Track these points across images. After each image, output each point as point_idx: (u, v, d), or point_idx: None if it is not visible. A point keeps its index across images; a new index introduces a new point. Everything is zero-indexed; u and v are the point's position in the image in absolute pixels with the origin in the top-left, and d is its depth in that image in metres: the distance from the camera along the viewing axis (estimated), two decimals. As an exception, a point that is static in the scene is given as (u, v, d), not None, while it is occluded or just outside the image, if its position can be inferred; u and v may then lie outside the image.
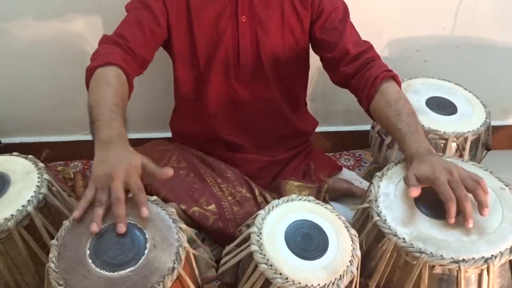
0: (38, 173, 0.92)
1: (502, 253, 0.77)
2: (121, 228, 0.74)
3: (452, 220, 0.79)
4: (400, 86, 1.03)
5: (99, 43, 1.03)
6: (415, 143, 0.89)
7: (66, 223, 0.77)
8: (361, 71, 1.05)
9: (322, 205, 0.85)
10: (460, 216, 0.80)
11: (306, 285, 0.72)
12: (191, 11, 1.08)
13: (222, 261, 0.87)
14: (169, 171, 0.81)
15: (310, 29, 1.14)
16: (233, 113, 1.20)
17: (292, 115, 1.25)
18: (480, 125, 1.14)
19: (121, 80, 0.95)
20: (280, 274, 0.73)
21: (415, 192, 0.82)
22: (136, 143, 1.13)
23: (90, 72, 0.94)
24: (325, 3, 1.11)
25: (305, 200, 0.86)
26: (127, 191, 0.77)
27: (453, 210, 0.78)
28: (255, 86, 1.17)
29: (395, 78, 1.02)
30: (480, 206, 0.80)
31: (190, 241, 0.81)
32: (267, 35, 1.11)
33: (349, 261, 0.77)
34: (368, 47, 1.09)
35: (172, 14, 1.08)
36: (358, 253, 0.79)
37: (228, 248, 0.88)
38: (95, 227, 0.73)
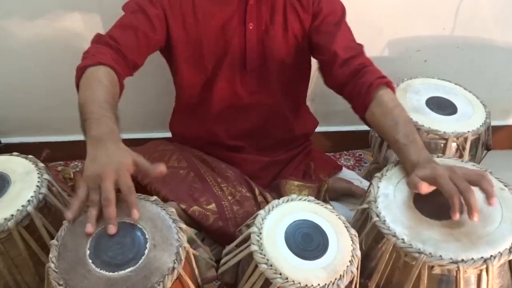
0: (38, 173, 0.92)
1: (501, 254, 0.77)
2: (111, 230, 0.73)
3: (457, 216, 0.77)
4: (394, 92, 1.01)
5: (91, 41, 1.02)
6: (415, 154, 0.88)
7: (66, 223, 0.77)
8: (354, 78, 1.03)
9: (322, 205, 0.85)
10: (460, 216, 0.80)
11: (306, 285, 0.72)
12: (198, 19, 1.07)
13: (222, 261, 0.87)
14: (161, 167, 0.79)
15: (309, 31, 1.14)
16: (235, 117, 1.20)
17: (293, 117, 1.25)
18: (480, 125, 1.14)
19: (112, 79, 0.94)
20: (280, 274, 0.73)
21: (425, 187, 0.82)
22: (136, 143, 1.14)
23: (80, 71, 0.93)
24: (323, 4, 1.10)
25: (305, 200, 0.86)
26: (119, 190, 0.76)
27: (457, 204, 0.78)
28: (260, 91, 1.17)
29: (389, 85, 1.00)
30: (487, 196, 0.79)
31: (190, 241, 0.81)
32: (273, 41, 1.11)
33: (349, 261, 0.77)
34: (359, 52, 1.07)
35: (174, 22, 1.07)
36: (358, 253, 0.79)
37: (228, 248, 0.88)
38: (89, 228, 0.73)
